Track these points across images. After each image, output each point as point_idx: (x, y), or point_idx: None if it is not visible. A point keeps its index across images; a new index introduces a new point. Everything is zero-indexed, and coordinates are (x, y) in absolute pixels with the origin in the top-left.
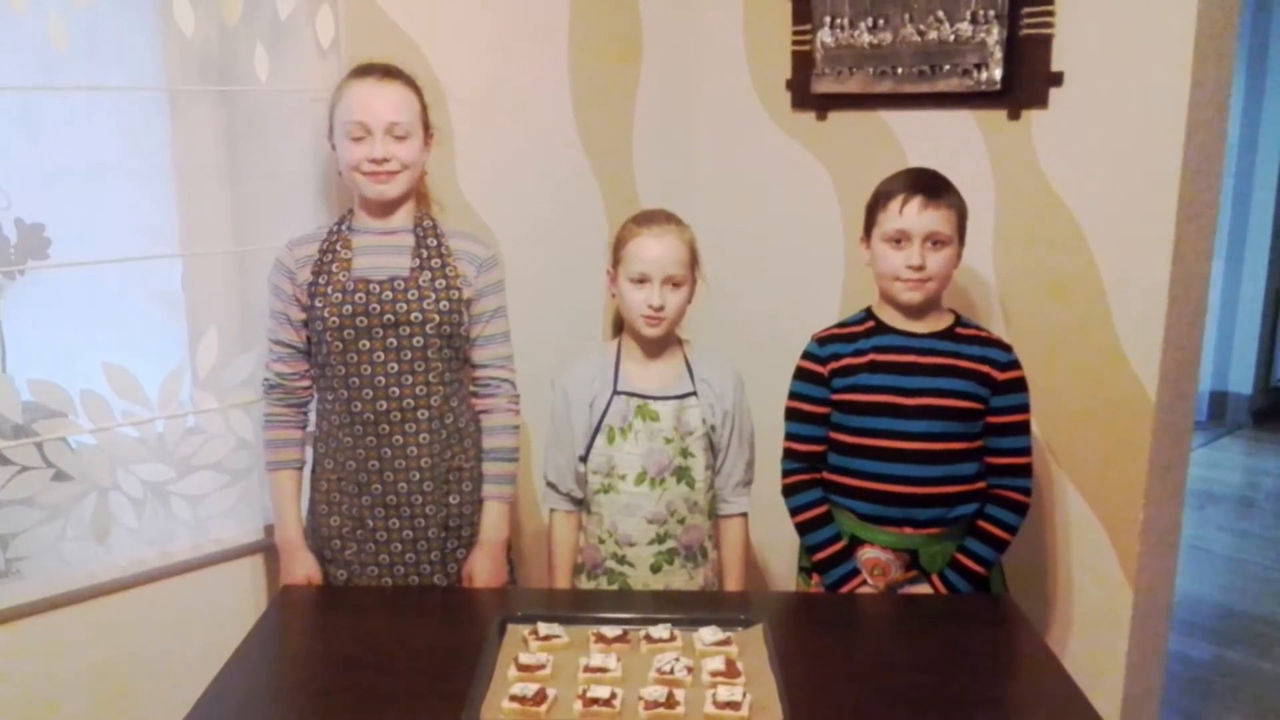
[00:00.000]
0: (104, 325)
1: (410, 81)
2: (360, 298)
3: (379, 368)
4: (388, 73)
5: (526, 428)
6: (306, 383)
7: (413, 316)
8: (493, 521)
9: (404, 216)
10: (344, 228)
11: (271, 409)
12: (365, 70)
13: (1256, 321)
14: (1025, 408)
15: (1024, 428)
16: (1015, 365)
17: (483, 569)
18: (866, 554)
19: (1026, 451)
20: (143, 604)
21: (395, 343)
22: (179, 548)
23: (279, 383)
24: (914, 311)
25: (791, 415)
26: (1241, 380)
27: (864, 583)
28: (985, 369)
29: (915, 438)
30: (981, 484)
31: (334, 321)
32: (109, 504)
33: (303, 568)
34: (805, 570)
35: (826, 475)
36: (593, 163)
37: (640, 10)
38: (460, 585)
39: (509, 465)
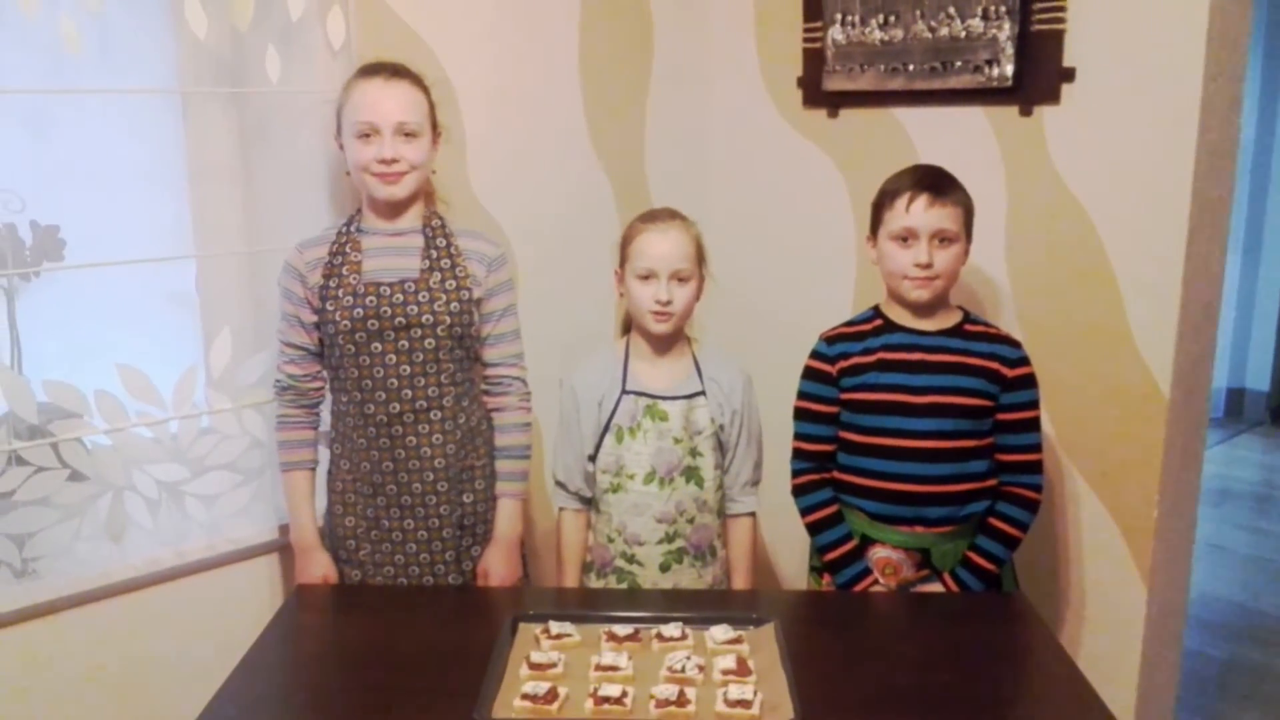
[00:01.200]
0: (118, 326)
1: (418, 80)
2: (371, 301)
3: (391, 370)
4: (396, 72)
5: (538, 425)
6: (319, 384)
7: (424, 319)
8: (507, 518)
9: (413, 217)
10: (352, 229)
11: (284, 410)
12: (373, 69)
13: (1274, 318)
14: (1035, 404)
15: (1034, 424)
16: (1025, 361)
17: (498, 565)
18: (878, 553)
19: (1037, 448)
20: (157, 603)
21: (407, 345)
22: (193, 547)
23: (291, 384)
24: (922, 309)
25: (800, 415)
26: (1259, 377)
27: (875, 582)
28: (995, 366)
29: (925, 436)
30: (992, 481)
31: (345, 325)
32: (124, 504)
33: (319, 568)
34: (816, 570)
35: (836, 475)
36: (604, 161)
37: (651, 8)
38: (475, 583)
39: (522, 462)
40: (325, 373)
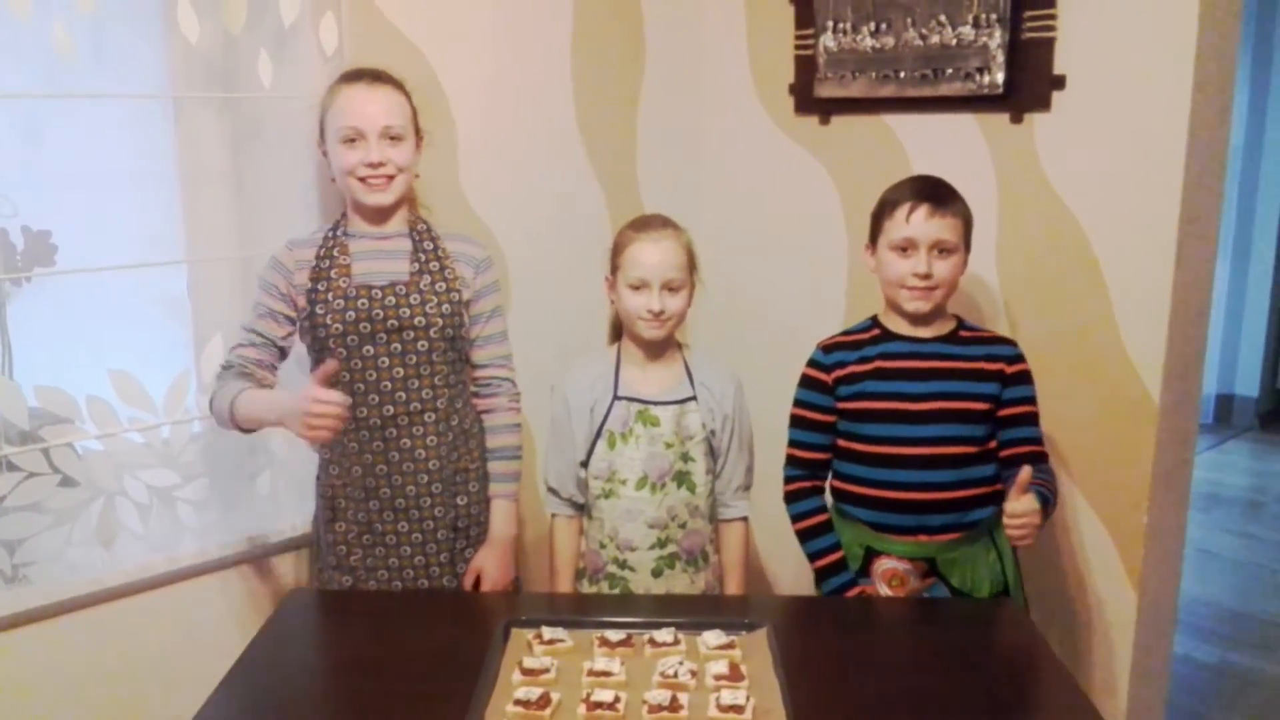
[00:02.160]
0: (110, 331)
1: (400, 85)
2: (363, 304)
3: (384, 373)
4: (378, 77)
5: (530, 430)
6: (271, 377)
7: (416, 321)
8: (500, 519)
9: (399, 221)
10: (339, 233)
11: (221, 382)
12: (355, 75)
13: (1262, 324)
14: (1035, 400)
15: (1036, 419)
16: (1022, 358)
17: (491, 566)
18: (884, 565)
19: (1042, 441)
20: (149, 609)
21: (399, 348)
22: (185, 553)
23: (239, 364)
24: (920, 318)
25: (795, 422)
26: (1248, 383)
27: (862, 594)
28: (995, 366)
29: (925, 443)
30: (997, 486)
31: (337, 329)
32: (115, 509)
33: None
34: None
35: (838, 484)
36: (596, 167)
37: (643, 14)
38: (467, 584)
39: (514, 463)
40: (279, 370)
